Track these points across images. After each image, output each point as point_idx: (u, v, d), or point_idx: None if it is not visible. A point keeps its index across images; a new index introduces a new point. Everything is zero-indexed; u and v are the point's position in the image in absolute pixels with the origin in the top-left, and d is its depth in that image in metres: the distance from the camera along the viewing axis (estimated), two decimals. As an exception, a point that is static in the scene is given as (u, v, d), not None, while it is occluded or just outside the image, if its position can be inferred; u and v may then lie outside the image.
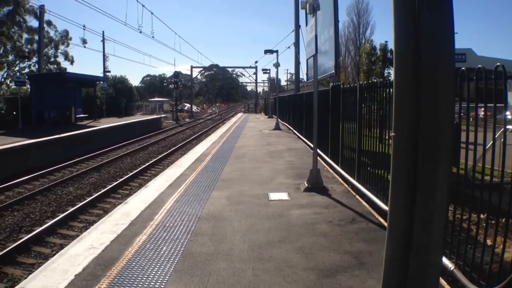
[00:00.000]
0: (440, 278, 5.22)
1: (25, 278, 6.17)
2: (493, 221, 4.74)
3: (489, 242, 4.90)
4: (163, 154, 24.00)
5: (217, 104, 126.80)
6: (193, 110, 78.20)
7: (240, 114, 66.50)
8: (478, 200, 4.71)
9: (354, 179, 9.85)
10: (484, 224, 4.80)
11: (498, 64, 4.05)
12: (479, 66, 4.25)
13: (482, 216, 5.38)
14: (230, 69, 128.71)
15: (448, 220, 5.29)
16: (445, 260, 5.08)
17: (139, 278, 5.28)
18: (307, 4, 10.15)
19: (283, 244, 6.52)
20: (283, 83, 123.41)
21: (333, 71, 13.86)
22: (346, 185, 10.56)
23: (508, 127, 7.40)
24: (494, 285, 3.95)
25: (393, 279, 2.75)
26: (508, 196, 4.24)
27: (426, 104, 2.52)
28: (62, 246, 9.06)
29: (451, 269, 4.91)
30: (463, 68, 4.53)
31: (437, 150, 2.53)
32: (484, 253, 4.55)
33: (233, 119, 49.08)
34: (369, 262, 5.74)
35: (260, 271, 5.51)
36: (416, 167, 2.56)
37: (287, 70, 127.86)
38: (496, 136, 4.78)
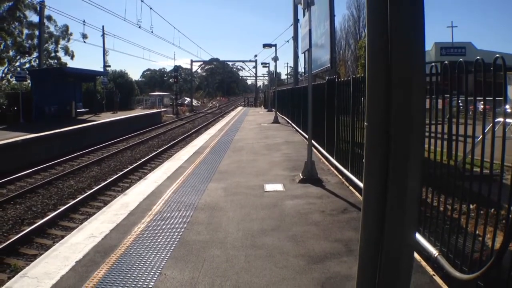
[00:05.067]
0: (426, 264, 5.46)
1: (28, 266, 6.39)
2: (481, 211, 4.93)
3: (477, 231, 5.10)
4: (162, 148, 24.18)
5: (218, 98, 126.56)
6: (193, 104, 78.19)
7: (240, 108, 66.59)
8: (461, 190, 4.92)
9: (348, 170, 10.05)
10: (471, 214, 5.00)
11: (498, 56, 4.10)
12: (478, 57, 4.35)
13: (471, 206, 5.60)
14: (230, 63, 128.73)
15: (425, 205, 5.54)
16: (430, 247, 5.30)
17: (137, 264, 5.52)
18: (302, -1, 10.32)
19: (275, 232, 6.76)
20: (283, 76, 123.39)
21: (329, 65, 14.01)
22: (341, 177, 10.78)
23: (507, 120, 7.51)
24: (475, 271, 4.13)
25: (369, 256, 2.96)
26: (492, 187, 4.40)
27: (396, 97, 2.71)
28: (63, 238, 9.26)
29: (436, 255, 5.12)
30: (460, 59, 4.67)
31: (408, 137, 2.72)
32: (466, 240, 4.75)
33: (233, 113, 49.21)
34: (358, 249, 5.94)
35: (252, 257, 5.75)
36: (388, 154, 2.76)
37: (287, 63, 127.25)
38: (486, 130, 4.93)
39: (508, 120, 7.29)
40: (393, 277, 2.90)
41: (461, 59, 4.65)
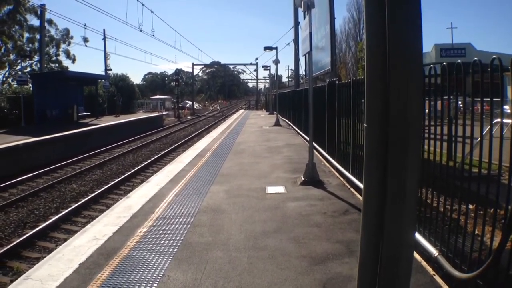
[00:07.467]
0: (426, 264, 5.51)
1: (31, 269, 6.44)
2: (481, 212, 4.97)
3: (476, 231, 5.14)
4: (165, 151, 24.28)
5: (219, 101, 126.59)
6: (195, 107, 78.36)
7: (241, 111, 66.70)
8: (458, 191, 4.97)
9: (349, 172, 10.09)
10: (470, 214, 5.04)
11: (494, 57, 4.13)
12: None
13: (471, 206, 5.63)
14: (231, 66, 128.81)
15: (425, 206, 5.58)
16: (430, 247, 5.35)
17: (140, 266, 5.58)
18: (302, 2, 10.37)
19: (277, 234, 6.80)
20: (284, 79, 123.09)
21: (330, 67, 14.07)
22: (342, 179, 10.81)
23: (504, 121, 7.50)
24: (474, 270, 4.17)
25: (369, 256, 3.00)
26: (493, 187, 4.44)
27: (394, 97, 2.76)
28: (66, 241, 9.30)
29: (436, 255, 5.16)
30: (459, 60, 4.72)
31: (406, 138, 2.77)
32: (466, 240, 4.80)
33: (235, 116, 49.28)
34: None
35: (254, 259, 5.80)
36: (387, 155, 2.81)
37: (288, 66, 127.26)
38: (484, 132, 4.97)
39: (506, 120, 7.28)
40: (393, 277, 2.93)
41: (459, 61, 4.69)
